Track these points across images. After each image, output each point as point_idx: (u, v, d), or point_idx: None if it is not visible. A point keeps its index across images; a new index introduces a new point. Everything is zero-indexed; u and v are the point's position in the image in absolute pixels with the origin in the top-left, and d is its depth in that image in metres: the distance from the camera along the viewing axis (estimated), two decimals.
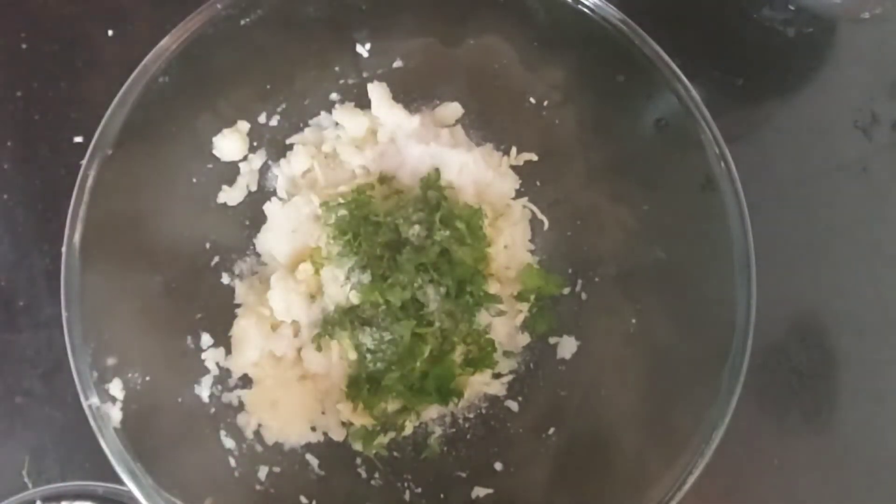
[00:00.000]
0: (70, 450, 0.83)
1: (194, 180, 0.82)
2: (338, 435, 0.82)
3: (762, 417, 0.88)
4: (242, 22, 0.76)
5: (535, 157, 0.87)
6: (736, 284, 0.73)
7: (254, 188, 0.85)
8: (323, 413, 0.83)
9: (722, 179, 0.74)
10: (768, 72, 0.96)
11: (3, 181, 0.89)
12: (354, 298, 0.80)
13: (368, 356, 0.80)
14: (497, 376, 0.85)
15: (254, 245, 0.86)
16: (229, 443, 0.78)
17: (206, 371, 0.80)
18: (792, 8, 0.93)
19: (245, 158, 0.84)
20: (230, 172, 0.84)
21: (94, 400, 0.70)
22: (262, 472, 0.78)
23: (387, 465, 0.82)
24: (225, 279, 0.84)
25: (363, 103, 0.85)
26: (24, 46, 0.91)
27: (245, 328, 0.81)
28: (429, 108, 0.88)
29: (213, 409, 0.79)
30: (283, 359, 0.82)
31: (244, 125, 0.83)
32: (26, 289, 0.87)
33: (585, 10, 0.76)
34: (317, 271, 0.82)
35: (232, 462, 0.77)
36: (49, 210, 0.87)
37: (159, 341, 0.78)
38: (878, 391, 0.90)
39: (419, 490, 0.81)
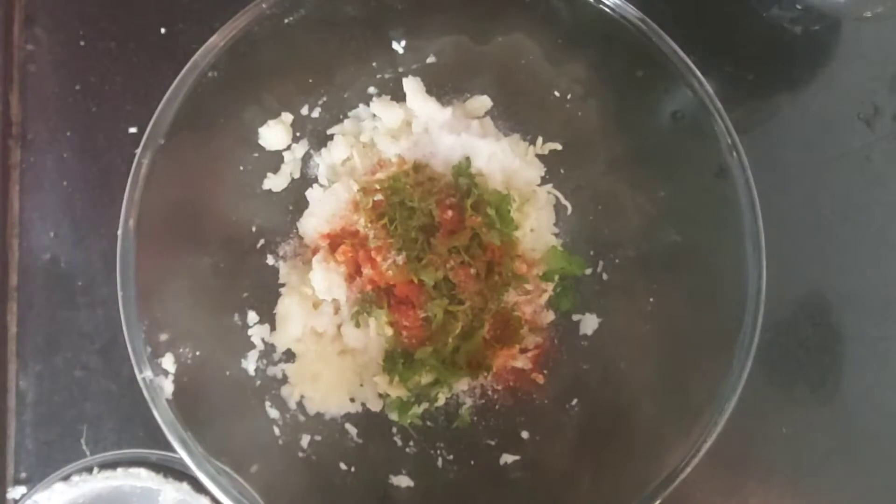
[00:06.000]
0: (125, 420, 0.85)
1: (241, 168, 0.84)
2: (375, 405, 0.85)
3: (771, 389, 0.90)
4: (286, 20, 0.78)
5: (559, 147, 0.89)
6: (747, 266, 0.74)
7: (297, 175, 0.87)
8: (361, 385, 0.85)
9: (734, 168, 0.76)
10: (777, 67, 0.97)
11: (64, 169, 0.90)
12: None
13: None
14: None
15: (297, 228, 0.87)
16: (274, 413, 0.81)
17: (252, 346, 0.83)
18: (799, 7, 0.93)
19: (288, 148, 0.86)
20: (274, 161, 0.86)
21: (148, 373, 0.72)
22: (305, 440, 0.81)
23: (421, 433, 0.84)
24: (270, 260, 0.86)
25: (399, 96, 0.87)
26: (82, 43, 0.92)
27: (288, 306, 0.84)
28: (460, 101, 0.89)
29: (258, 382, 0.82)
30: (324, 335, 0.85)
31: (288, 117, 0.85)
32: (84, 270, 0.88)
33: (606, 9, 0.78)
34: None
35: (276, 431, 0.80)
36: (105, 196, 0.88)
37: (208, 318, 0.80)
38: (879, 365, 0.92)
39: (451, 457, 0.83)
